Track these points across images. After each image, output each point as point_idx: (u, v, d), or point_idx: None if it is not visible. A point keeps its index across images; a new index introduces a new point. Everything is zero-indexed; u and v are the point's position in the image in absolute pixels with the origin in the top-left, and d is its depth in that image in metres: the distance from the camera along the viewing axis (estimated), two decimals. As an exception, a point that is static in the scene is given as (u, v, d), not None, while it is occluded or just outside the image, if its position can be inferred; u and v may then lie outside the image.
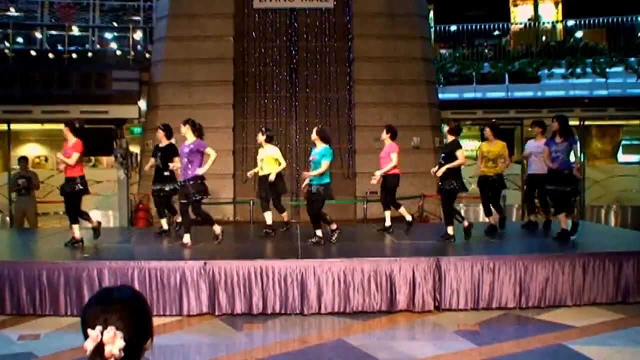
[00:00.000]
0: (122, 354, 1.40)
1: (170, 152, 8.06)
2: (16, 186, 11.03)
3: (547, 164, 7.48)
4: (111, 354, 1.38)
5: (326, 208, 7.65)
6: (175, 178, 8.11)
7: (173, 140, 8.18)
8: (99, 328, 1.40)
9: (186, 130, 7.20)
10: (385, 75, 12.29)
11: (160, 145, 8.22)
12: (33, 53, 13.87)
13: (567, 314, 6.17)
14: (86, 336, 1.41)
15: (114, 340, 1.39)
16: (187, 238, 7.25)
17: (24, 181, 10.89)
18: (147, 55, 13.28)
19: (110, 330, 1.40)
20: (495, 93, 13.80)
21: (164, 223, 8.53)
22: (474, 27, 15.15)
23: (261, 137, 8.26)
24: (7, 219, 12.57)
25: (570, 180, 7.33)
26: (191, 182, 7.09)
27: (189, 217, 7.37)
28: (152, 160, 8.37)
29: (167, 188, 8.09)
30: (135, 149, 13.24)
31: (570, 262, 6.43)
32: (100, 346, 1.39)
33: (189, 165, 7.11)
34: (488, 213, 8.35)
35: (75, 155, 7.22)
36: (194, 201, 7.20)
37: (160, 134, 8.18)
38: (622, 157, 15.73)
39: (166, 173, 8.04)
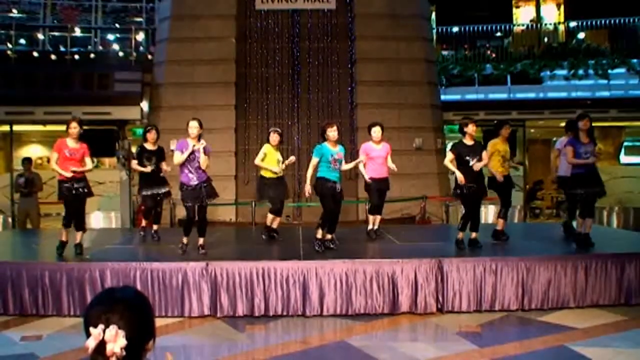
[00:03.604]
0: (124, 353, 1.41)
1: (163, 154, 8.02)
2: (17, 186, 11.12)
3: (572, 162, 7.05)
4: (112, 352, 1.39)
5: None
6: (167, 181, 8.08)
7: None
8: (101, 326, 1.40)
9: (199, 132, 6.90)
10: (387, 76, 12.30)
11: (152, 147, 7.98)
12: (35, 54, 13.90)
13: (569, 315, 6.16)
14: (89, 336, 1.41)
15: (115, 339, 1.39)
16: (185, 239, 7.07)
17: (22, 180, 10.93)
18: (150, 57, 13.31)
19: (112, 328, 1.40)
20: (498, 94, 13.79)
21: (145, 223, 8.38)
22: (476, 28, 15.14)
23: (276, 139, 7.90)
24: (10, 219, 12.60)
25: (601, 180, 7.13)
26: (206, 185, 6.90)
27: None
28: (134, 162, 8.09)
29: (164, 190, 8.06)
30: (137, 150, 13.27)
31: (573, 263, 6.42)
32: (101, 344, 1.39)
33: (202, 168, 6.93)
34: (506, 215, 7.85)
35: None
36: (206, 204, 7.02)
37: (155, 135, 8.00)
38: (624, 158, 15.73)
39: (161, 175, 7.99)
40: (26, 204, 11.16)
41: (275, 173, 7.88)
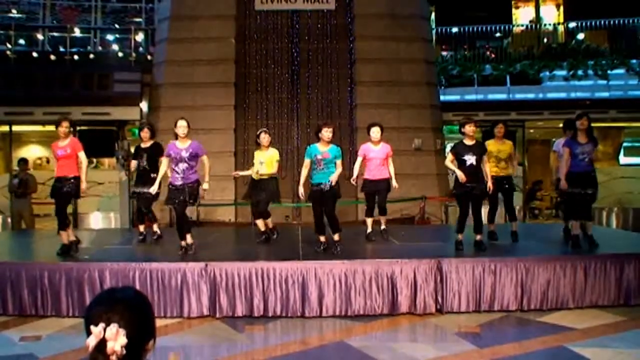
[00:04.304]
0: (124, 352, 1.41)
1: (157, 152, 7.78)
2: (11, 187, 11.14)
3: (564, 165, 7.04)
4: (113, 350, 1.39)
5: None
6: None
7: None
8: (101, 325, 1.40)
9: (188, 132, 6.98)
10: (386, 76, 12.31)
11: (145, 145, 7.90)
12: (35, 54, 13.91)
13: (568, 316, 6.16)
14: (89, 335, 1.41)
15: (116, 337, 1.40)
16: (189, 238, 7.04)
17: (16, 181, 10.94)
18: (149, 57, 13.32)
19: (113, 327, 1.40)
20: (497, 95, 13.81)
21: (142, 228, 8.18)
22: (475, 29, 15.17)
23: (268, 139, 7.84)
24: (9, 220, 12.60)
25: (597, 184, 7.09)
26: (190, 186, 6.88)
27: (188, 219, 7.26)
28: (134, 163, 8.03)
29: (152, 191, 7.60)
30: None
31: (572, 264, 6.42)
32: (102, 343, 1.39)
33: (191, 169, 6.93)
34: (492, 220, 7.80)
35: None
36: (187, 205, 7.00)
37: (147, 133, 7.91)
38: (623, 159, 15.73)
39: (153, 175, 7.63)
40: (19, 205, 11.16)
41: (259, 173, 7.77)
